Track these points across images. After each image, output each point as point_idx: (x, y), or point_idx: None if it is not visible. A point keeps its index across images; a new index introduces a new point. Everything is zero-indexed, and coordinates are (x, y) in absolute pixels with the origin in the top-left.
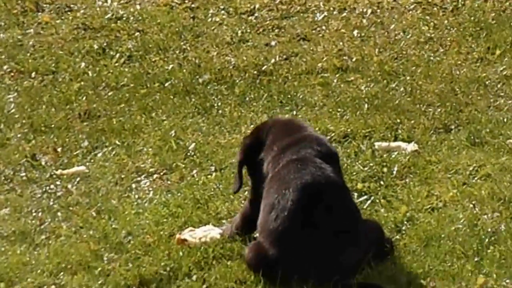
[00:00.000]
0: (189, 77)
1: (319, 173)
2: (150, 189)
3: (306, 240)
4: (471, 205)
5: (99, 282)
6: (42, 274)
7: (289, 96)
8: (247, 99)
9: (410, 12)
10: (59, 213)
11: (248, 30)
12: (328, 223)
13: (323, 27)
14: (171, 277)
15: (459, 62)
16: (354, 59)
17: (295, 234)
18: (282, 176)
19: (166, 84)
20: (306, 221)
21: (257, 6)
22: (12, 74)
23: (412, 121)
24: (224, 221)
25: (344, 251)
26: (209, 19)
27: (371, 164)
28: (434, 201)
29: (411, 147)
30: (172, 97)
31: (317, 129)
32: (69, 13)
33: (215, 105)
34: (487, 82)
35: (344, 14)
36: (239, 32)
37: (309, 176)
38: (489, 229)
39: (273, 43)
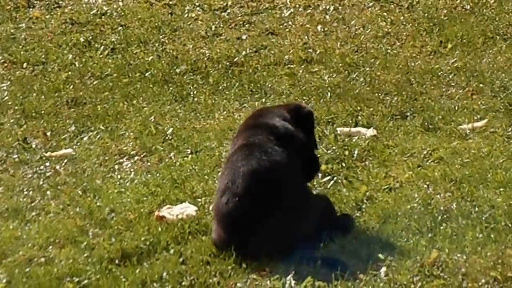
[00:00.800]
0: (167, 67)
1: (265, 158)
2: (132, 170)
3: (258, 222)
4: (425, 186)
5: (85, 255)
6: (33, 247)
7: (258, 85)
8: (220, 88)
9: (369, 9)
10: (48, 192)
11: (221, 25)
12: (278, 203)
13: (290, 23)
14: (151, 250)
15: (414, 55)
16: (318, 52)
17: (245, 218)
18: (232, 162)
19: (146, 74)
20: (256, 204)
21: (229, 3)
22: (6, 64)
23: (371, 109)
24: (199, 199)
25: (298, 227)
26: (186, 15)
27: (334, 148)
28: (391, 181)
29: (370, 132)
30: (151, 86)
31: None
32: (57, 9)
33: (191, 93)
34: (439, 73)
35: (309, 10)
36: (213, 26)
37: (255, 162)
38: (442, 208)
39: (244, 37)
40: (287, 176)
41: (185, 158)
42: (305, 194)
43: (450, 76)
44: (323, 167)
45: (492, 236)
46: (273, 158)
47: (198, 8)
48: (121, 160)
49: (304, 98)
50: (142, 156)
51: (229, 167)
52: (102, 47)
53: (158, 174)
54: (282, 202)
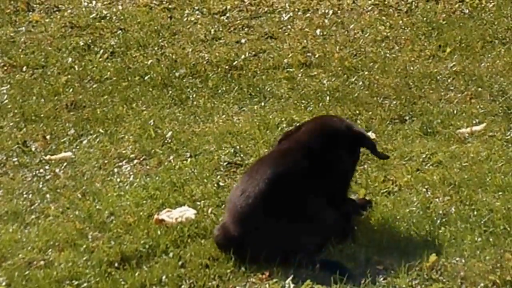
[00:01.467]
0: (167, 71)
1: (292, 164)
2: (131, 173)
3: (268, 222)
4: (424, 190)
5: (84, 258)
6: (32, 250)
7: (257, 89)
8: (220, 91)
9: (368, 13)
10: (47, 195)
11: (220, 29)
12: (291, 208)
13: (289, 26)
14: (150, 254)
15: (413, 59)
16: (317, 56)
17: (256, 215)
18: (260, 163)
19: (146, 78)
20: (269, 205)
21: (228, 7)
22: (5, 68)
23: (370, 113)
24: (198, 203)
25: (307, 234)
26: (185, 19)
27: None
28: (390, 185)
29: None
30: (151, 89)
31: (283, 119)
32: (57, 12)
33: (190, 97)
34: (438, 77)
35: (308, 14)
36: (212, 30)
37: (281, 165)
38: (441, 212)
39: (243, 40)
40: (303, 186)
41: (184, 162)
42: (318, 209)
43: (449, 80)
44: None
45: (491, 240)
46: (296, 165)
47: (197, 12)
48: (120, 164)
49: (303, 101)
50: (141, 159)
51: (253, 166)
52: (101, 51)
53: (157, 178)
54: (290, 209)
